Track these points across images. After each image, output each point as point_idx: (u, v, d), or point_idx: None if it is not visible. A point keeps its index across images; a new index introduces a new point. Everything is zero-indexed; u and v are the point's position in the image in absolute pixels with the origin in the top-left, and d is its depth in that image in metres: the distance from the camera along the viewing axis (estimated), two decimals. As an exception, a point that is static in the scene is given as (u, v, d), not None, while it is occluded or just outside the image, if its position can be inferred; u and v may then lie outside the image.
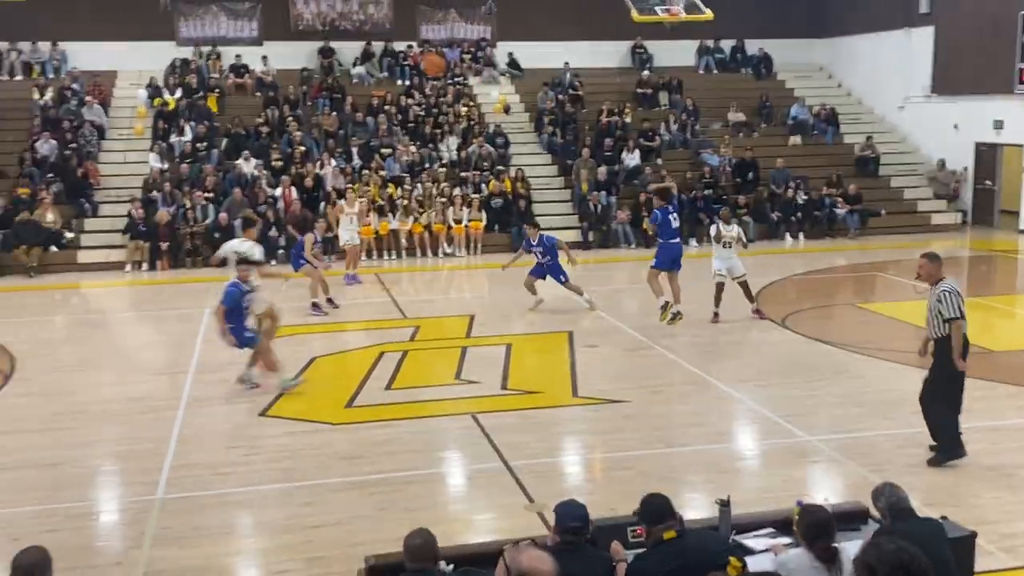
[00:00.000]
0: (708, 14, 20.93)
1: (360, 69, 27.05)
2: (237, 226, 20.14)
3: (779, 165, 24.03)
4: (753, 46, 29.18)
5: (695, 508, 7.33)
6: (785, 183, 23.44)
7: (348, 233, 17.97)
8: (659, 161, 24.21)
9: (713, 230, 14.48)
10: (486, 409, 10.37)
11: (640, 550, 5.03)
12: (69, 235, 20.47)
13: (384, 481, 8.49)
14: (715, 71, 29.08)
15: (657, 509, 4.99)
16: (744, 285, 14.31)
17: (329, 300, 15.43)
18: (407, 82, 26.65)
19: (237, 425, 10.21)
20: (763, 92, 27.67)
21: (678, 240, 14.22)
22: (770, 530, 5.58)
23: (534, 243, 15.22)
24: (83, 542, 7.41)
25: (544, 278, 15.09)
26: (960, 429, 8.47)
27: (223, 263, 12.71)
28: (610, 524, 5.40)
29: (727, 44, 29.19)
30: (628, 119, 25.51)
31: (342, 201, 18.97)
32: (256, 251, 12.67)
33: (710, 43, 28.96)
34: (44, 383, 11.81)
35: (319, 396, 11.06)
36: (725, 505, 5.54)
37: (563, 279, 15.05)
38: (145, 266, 20.03)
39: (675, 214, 14.12)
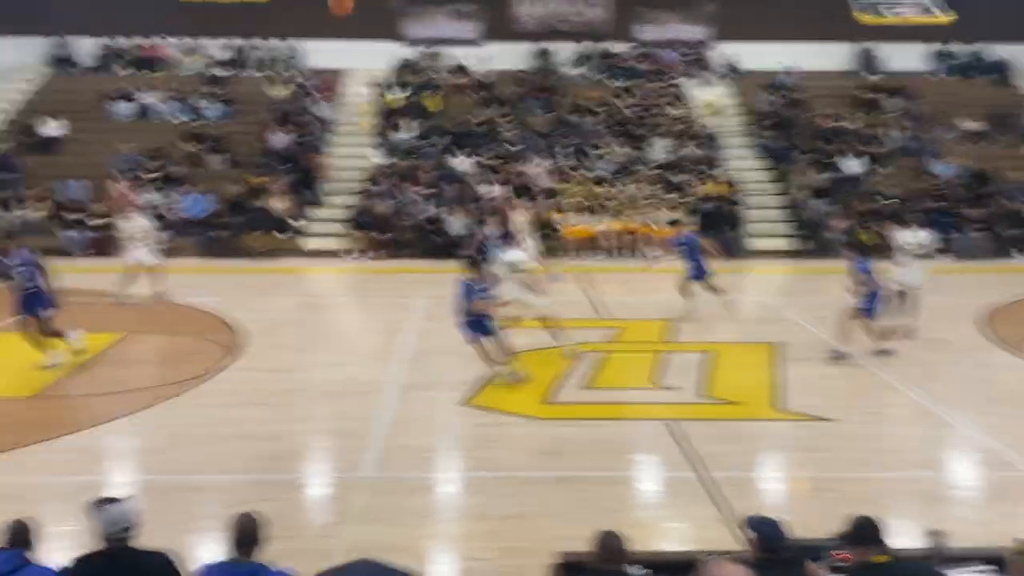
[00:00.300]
0: (944, 17, 19.76)
1: (575, 70, 27.29)
2: (449, 219, 20.86)
3: (1013, 178, 22.43)
4: (993, 51, 27.33)
5: (902, 537, 6.97)
6: (1021, 197, 21.86)
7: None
8: (880, 169, 23.12)
9: (900, 238, 13.67)
10: (683, 416, 10.25)
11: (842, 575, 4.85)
12: (296, 223, 21.76)
13: (579, 479, 8.56)
14: (948, 76, 27.44)
15: (867, 532, 4.79)
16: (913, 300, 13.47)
17: None
18: (621, 83, 26.66)
19: (441, 412, 10.54)
20: (1001, 99, 25.88)
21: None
22: (982, 566, 5.25)
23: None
24: (294, 512, 7.87)
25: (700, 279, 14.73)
26: None
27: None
28: (807, 544, 5.22)
29: (962, 48, 27.46)
30: (849, 124, 24.50)
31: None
32: (526, 260, 13.16)
33: (944, 46, 27.33)
34: (268, 360, 12.61)
35: (520, 389, 11.26)
36: (938, 536, 5.24)
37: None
38: (364, 255, 21.01)
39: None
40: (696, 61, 27.58)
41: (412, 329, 14.18)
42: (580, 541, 5.15)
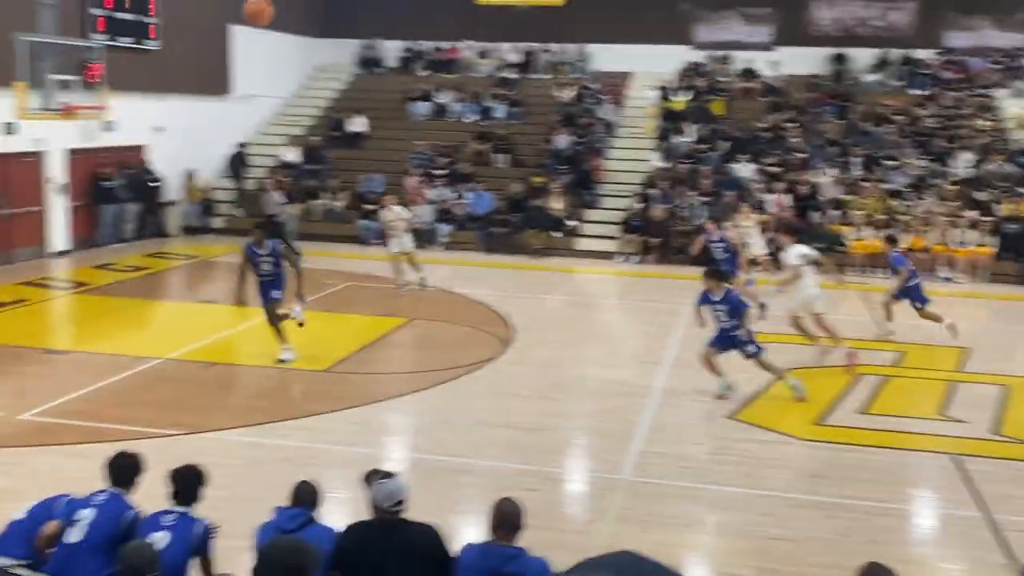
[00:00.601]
0: None
1: (873, 77, 25.94)
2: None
3: None
4: None
5: None
6: None
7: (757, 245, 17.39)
8: None
9: None
10: (970, 452, 9.45)
11: None
12: (572, 223, 22.14)
13: (847, 507, 8.11)
14: None
15: None
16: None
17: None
18: (923, 91, 25.03)
19: (705, 422, 10.36)
20: None
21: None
22: None
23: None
24: (553, 505, 7.99)
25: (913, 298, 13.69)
26: None
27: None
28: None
29: None
30: None
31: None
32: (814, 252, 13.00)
33: None
34: (535, 355, 12.91)
35: (790, 408, 10.83)
36: None
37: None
38: (636, 258, 21.04)
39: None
40: (1010, 70, 25.39)
41: (679, 336, 14.01)
42: (845, 571, 4.87)
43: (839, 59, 26.24)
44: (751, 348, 10.94)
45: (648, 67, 27.03)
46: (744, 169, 22.55)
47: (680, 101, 25.48)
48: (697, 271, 17.31)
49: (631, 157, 24.52)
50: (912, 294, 13.92)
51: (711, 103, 25.33)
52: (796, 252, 13.02)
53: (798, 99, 24.97)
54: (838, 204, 21.22)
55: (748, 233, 16.85)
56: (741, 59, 26.93)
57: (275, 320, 12.06)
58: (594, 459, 9.33)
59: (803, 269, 12.77)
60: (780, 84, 25.82)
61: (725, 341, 11.00)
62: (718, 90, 25.94)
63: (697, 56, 27.26)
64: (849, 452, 9.43)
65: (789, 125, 23.95)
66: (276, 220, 19.67)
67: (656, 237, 20.97)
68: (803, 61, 26.28)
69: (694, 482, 8.69)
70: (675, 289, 18.03)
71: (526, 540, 5.13)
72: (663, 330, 14.51)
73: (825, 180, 21.84)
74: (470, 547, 5.07)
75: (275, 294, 11.93)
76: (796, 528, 7.63)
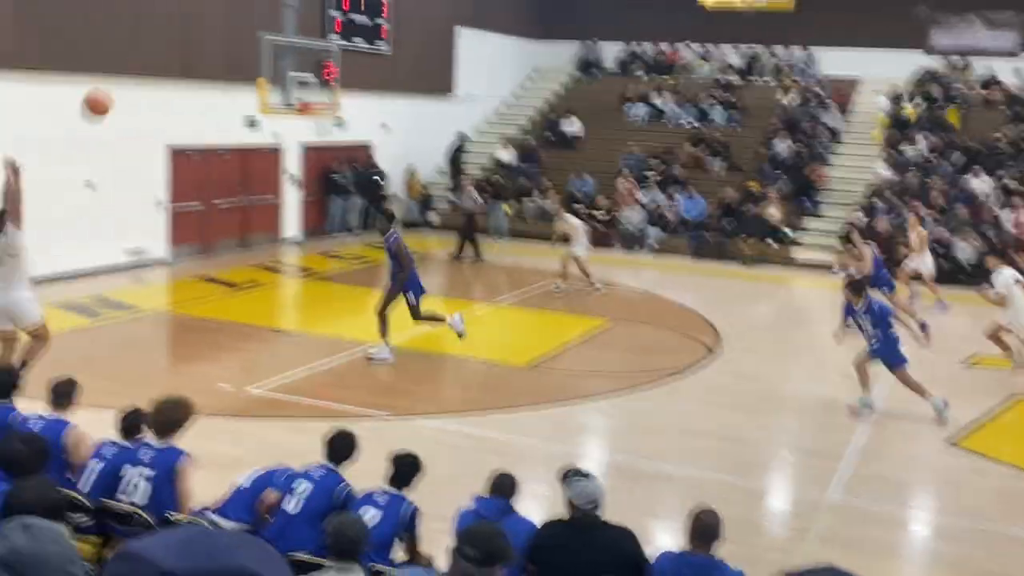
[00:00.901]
0: None
1: None
2: (957, 243, 19.28)
3: None
4: None
5: None
6: None
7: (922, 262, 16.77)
8: None
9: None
10: None
11: None
12: (788, 232, 21.46)
13: (1079, 550, 7.48)
14: None
15: None
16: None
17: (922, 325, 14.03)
18: None
19: (921, 447, 9.81)
20: None
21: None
22: None
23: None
24: (751, 520, 7.79)
25: None
26: None
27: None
28: None
29: None
30: None
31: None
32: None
33: None
34: (742, 365, 12.62)
35: (1016, 437, 10.09)
36: None
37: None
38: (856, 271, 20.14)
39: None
40: None
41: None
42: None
43: (1095, 66, 24.16)
44: (893, 359, 10.36)
45: (879, 72, 25.80)
46: (980, 183, 21.15)
47: (912, 109, 24.20)
48: (921, 287, 16.58)
49: (857, 165, 23.50)
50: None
51: (946, 112, 23.91)
52: (1004, 277, 12.49)
53: (1045, 109, 23.17)
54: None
55: (917, 246, 16.56)
56: (981, 66, 25.26)
57: (418, 315, 12.05)
58: (799, 476, 9.03)
59: (1013, 293, 12.20)
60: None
61: (880, 351, 10.42)
62: (954, 98, 24.45)
63: (933, 62, 25.80)
64: (1085, 492, 8.68)
65: (1033, 137, 22.27)
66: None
67: (881, 250, 19.98)
68: (1054, 69, 24.39)
69: (906, 508, 8.26)
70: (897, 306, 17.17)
71: (723, 551, 5.04)
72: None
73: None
74: (667, 555, 5.03)
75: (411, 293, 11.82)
76: (1017, 567, 7.11)
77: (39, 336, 9.42)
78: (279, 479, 5.82)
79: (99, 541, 5.62)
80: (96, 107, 11.18)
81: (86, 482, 5.88)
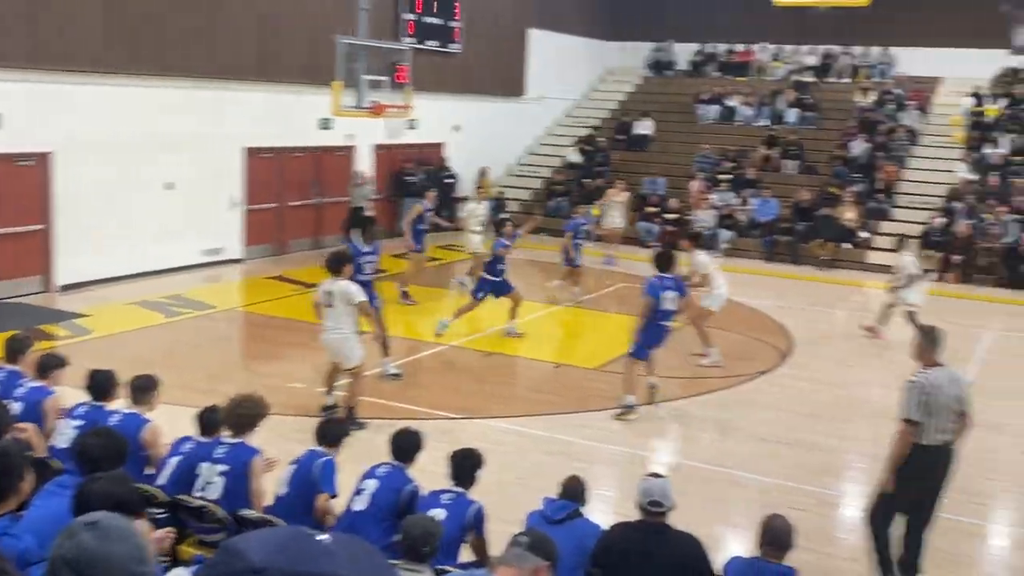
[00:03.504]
0: None
1: None
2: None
3: None
4: None
5: None
6: None
7: (610, 218, 19.33)
8: None
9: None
10: None
11: None
12: (864, 234, 21.02)
13: None
14: None
15: None
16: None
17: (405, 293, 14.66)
18: None
19: (1001, 457, 9.55)
20: None
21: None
22: None
23: None
24: (824, 529, 7.67)
25: None
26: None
27: None
28: None
29: None
30: None
31: (610, 190, 20.35)
32: None
33: None
34: (815, 370, 12.41)
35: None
36: None
37: None
38: (934, 275, 19.68)
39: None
40: None
41: (976, 361, 12.98)
42: None
43: None
44: None
45: (959, 72, 25.14)
46: (1065, 185, 20.50)
47: (994, 109, 23.53)
48: (1003, 293, 16.09)
49: (935, 167, 22.94)
50: None
51: (1030, 112, 23.24)
52: (700, 260, 12.52)
53: None
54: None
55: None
56: (1069, 64, 24.48)
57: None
58: (873, 484, 8.82)
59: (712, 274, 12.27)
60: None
61: None
62: (1040, 98, 23.75)
63: (1016, 61, 25.05)
64: None
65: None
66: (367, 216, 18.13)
67: (958, 254, 19.50)
68: None
69: (984, 519, 8.05)
70: (975, 311, 16.75)
71: (792, 560, 4.95)
72: (957, 355, 13.45)
73: None
74: (737, 560, 4.97)
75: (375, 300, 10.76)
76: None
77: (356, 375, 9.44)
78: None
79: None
80: None
81: (163, 477, 6.02)
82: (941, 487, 6.38)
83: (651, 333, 10.15)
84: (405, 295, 15.11)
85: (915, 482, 6.32)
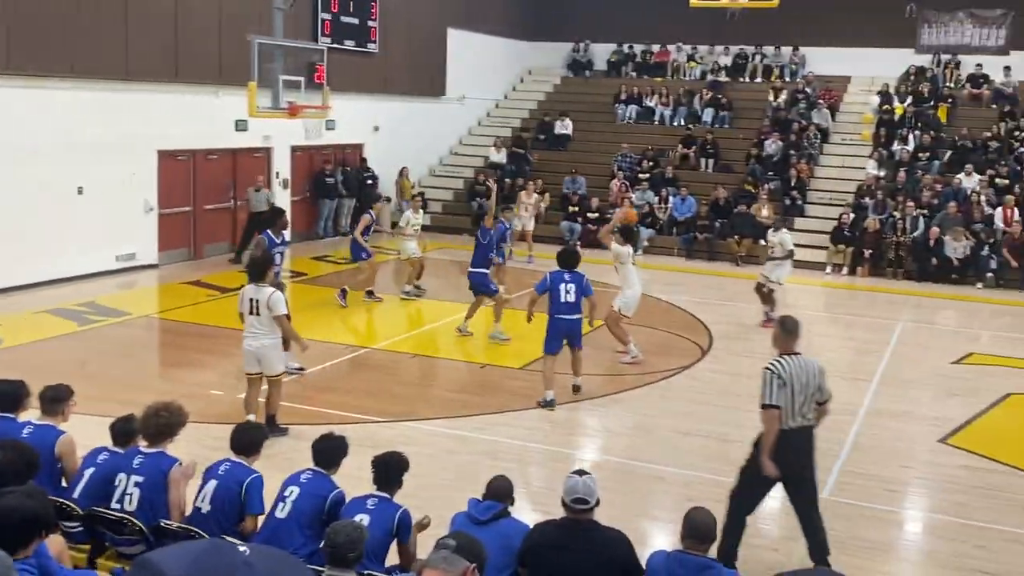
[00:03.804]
0: None
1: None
2: (947, 241, 19.34)
3: None
4: None
5: None
6: None
7: (521, 221, 19.41)
8: None
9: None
10: None
11: None
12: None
13: (1071, 547, 7.50)
14: None
15: None
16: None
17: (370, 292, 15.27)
18: None
19: (913, 445, 9.84)
20: None
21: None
22: None
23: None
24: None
25: None
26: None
27: None
28: None
29: None
30: None
31: (522, 192, 20.27)
32: None
33: None
34: (735, 364, 12.63)
35: (1009, 436, 10.13)
36: None
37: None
38: (845, 270, 20.20)
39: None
40: None
41: (887, 353, 13.38)
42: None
43: (1083, 63, 24.27)
44: None
45: (867, 71, 25.92)
46: (969, 180, 21.23)
47: (901, 107, 24.27)
48: (912, 286, 16.62)
49: (845, 164, 23.57)
50: None
51: (935, 110, 23.99)
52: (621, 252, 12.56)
53: (1033, 106, 23.28)
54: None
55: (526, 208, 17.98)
56: (970, 64, 25.34)
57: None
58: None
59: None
60: (1012, 91, 24.12)
61: None
62: (943, 96, 24.54)
63: (921, 60, 25.88)
64: (1077, 489, 8.72)
65: (1021, 134, 22.34)
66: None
67: (868, 249, 20.06)
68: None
69: (899, 507, 8.29)
70: (886, 304, 17.25)
71: (716, 553, 5.03)
72: (871, 346, 13.89)
73: (1061, 194, 20.25)
74: (660, 554, 5.03)
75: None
76: (1010, 564, 7.13)
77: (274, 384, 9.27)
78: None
79: (89, 549, 5.60)
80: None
81: (77, 490, 5.85)
82: (807, 467, 6.68)
83: (551, 327, 10.49)
84: (343, 294, 15.02)
85: (779, 465, 6.56)
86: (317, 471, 5.81)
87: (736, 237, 21.03)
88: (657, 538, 7.22)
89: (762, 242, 20.99)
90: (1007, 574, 6.99)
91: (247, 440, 6.02)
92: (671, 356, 12.80)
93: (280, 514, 5.60)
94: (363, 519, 5.36)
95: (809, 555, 6.71)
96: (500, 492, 5.49)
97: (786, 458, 6.55)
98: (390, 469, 5.67)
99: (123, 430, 6.12)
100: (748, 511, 6.82)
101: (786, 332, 6.84)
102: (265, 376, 9.21)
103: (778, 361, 6.65)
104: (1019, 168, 21.42)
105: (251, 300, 9.02)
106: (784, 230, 15.21)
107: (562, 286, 10.36)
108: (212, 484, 5.77)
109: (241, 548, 1.62)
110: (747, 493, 6.82)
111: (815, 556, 6.65)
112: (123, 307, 14.66)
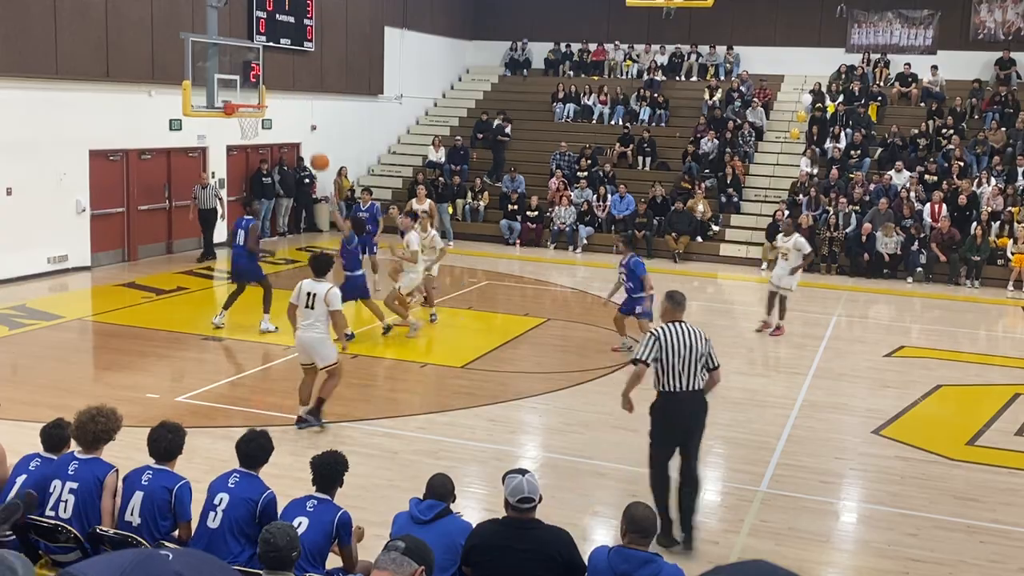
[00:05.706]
0: None
1: (1042, 82, 24.54)
2: (879, 236, 19.77)
3: None
4: None
5: None
6: None
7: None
8: None
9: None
10: None
11: None
12: (715, 228, 21.78)
13: (1000, 532, 7.72)
14: None
15: None
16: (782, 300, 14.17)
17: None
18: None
19: (848, 437, 10.04)
20: None
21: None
22: None
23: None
24: (686, 513, 7.88)
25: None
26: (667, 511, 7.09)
27: None
28: None
29: None
30: None
31: (413, 200, 17.80)
32: None
33: None
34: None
35: (940, 426, 10.39)
36: None
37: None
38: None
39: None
40: None
41: (822, 347, 13.64)
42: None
43: (1004, 63, 24.93)
44: None
45: (800, 70, 26.38)
46: (899, 177, 21.73)
47: (832, 105, 24.75)
48: (845, 281, 16.93)
49: (780, 162, 23.97)
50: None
51: (865, 108, 24.50)
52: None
53: (959, 105, 23.86)
54: (998, 215, 20.21)
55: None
56: (899, 63, 25.93)
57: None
58: (730, 469, 9.16)
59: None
60: (939, 89, 24.74)
61: None
62: (873, 95, 25.07)
63: (852, 59, 26.41)
64: (1003, 475, 8.98)
65: (948, 132, 22.93)
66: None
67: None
68: (966, 66, 25.11)
69: (835, 497, 8.45)
70: (820, 298, 17.56)
71: (657, 546, 5.09)
72: (806, 340, 14.14)
73: (985, 190, 20.82)
74: (602, 549, 5.06)
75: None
76: (942, 551, 7.32)
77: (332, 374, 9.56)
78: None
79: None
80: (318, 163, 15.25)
81: (9, 497, 5.70)
82: (692, 430, 7.26)
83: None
84: None
85: (666, 425, 7.24)
86: (244, 472, 5.67)
87: (674, 234, 21.26)
88: (600, 534, 7.28)
89: (698, 239, 21.34)
90: (939, 560, 7.16)
91: (163, 447, 5.82)
92: (610, 352, 12.89)
93: (212, 524, 5.46)
94: (302, 522, 5.30)
95: (679, 511, 7.20)
96: (441, 491, 5.47)
97: (678, 419, 7.21)
98: (330, 470, 5.60)
99: (54, 436, 5.96)
100: (665, 461, 7.33)
101: (674, 304, 7.48)
102: (319, 368, 9.44)
103: (661, 328, 7.26)
104: (947, 165, 21.97)
105: (309, 294, 9.33)
106: (796, 234, 14.63)
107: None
108: (139, 496, 5.60)
109: (170, 557, 1.59)
110: (659, 451, 7.36)
111: (684, 523, 7.20)
112: (55, 310, 14.35)
